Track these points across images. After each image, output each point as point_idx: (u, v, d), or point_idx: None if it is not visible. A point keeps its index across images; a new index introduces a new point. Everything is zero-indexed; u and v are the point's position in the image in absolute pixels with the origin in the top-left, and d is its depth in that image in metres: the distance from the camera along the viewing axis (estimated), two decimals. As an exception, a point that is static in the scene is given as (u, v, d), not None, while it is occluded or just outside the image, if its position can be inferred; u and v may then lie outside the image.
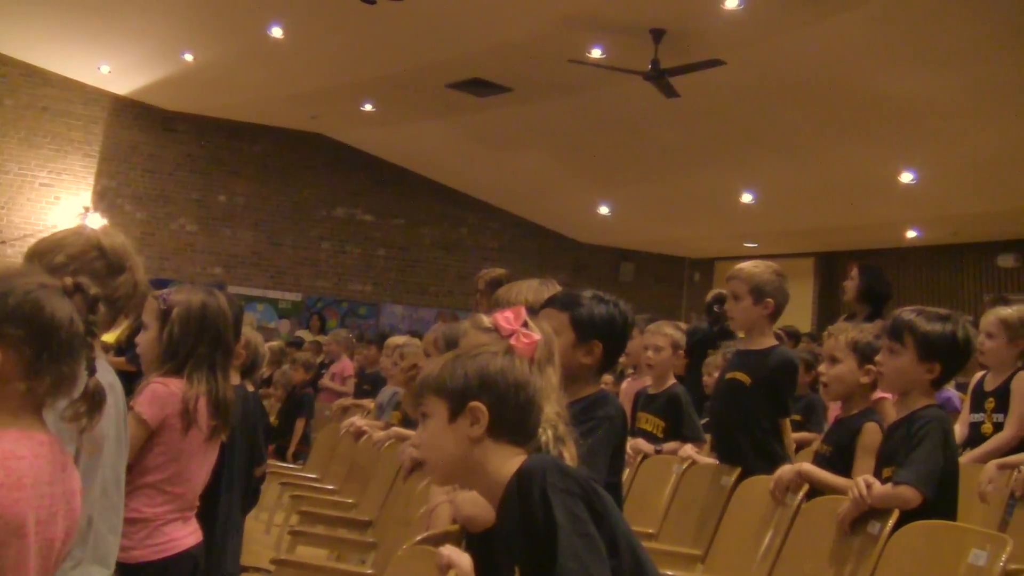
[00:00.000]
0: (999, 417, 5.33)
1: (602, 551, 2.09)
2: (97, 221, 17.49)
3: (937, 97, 11.55)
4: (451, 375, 2.31)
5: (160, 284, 12.48)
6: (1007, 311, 5.47)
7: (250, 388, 5.06)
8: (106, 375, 2.49)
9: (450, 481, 2.57)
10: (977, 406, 5.46)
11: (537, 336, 2.78)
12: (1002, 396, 5.36)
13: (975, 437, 5.35)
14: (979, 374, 5.56)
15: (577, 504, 2.11)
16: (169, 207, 18.92)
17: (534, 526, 2.12)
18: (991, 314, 5.46)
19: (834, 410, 5.20)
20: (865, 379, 4.24)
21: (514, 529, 2.20)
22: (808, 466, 4.27)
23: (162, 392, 3.34)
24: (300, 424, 10.62)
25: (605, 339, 3.28)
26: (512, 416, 2.29)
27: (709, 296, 9.02)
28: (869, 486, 3.62)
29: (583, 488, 2.15)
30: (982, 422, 5.38)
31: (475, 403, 2.27)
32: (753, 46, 11.41)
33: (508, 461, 2.26)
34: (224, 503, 4.17)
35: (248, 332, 5.02)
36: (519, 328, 2.78)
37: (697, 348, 7.48)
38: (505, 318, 2.85)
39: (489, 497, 2.33)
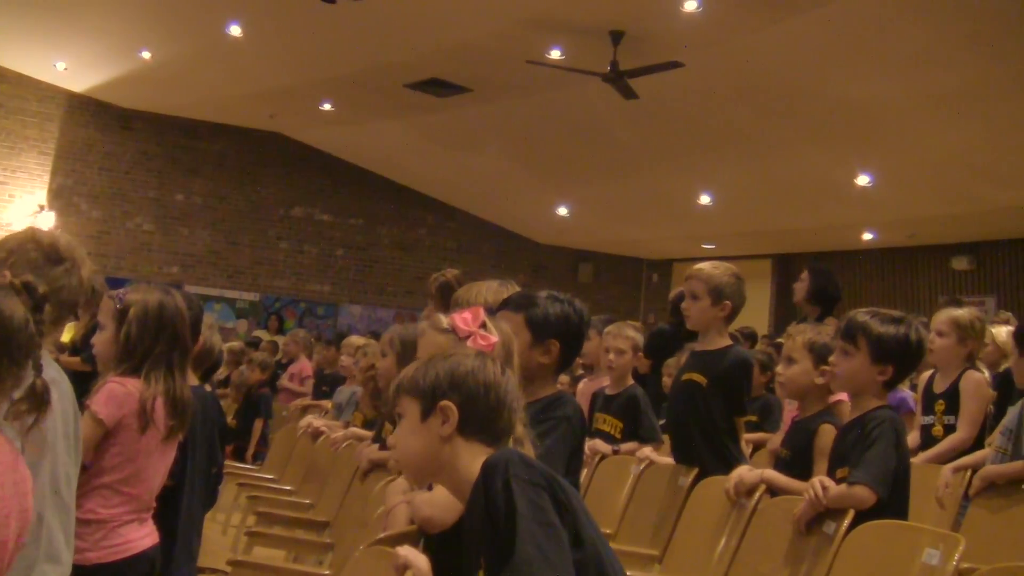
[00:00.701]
0: (950, 419, 5.39)
1: (564, 541, 2.10)
2: (52, 220, 17.35)
3: (893, 101, 11.65)
4: (423, 376, 2.38)
5: (116, 283, 12.42)
6: (959, 311, 5.54)
7: (207, 388, 5.04)
8: (49, 370, 2.47)
9: (422, 479, 2.60)
10: (927, 408, 5.52)
11: (495, 338, 2.79)
12: (951, 398, 5.42)
13: (927, 440, 5.41)
14: (927, 374, 5.61)
15: (540, 494, 2.12)
16: (126, 206, 18.77)
17: (496, 516, 2.13)
18: (943, 313, 5.52)
19: (791, 411, 5.23)
20: (820, 380, 4.28)
21: (479, 522, 2.21)
22: (769, 472, 4.30)
23: (119, 392, 3.32)
24: (258, 425, 10.57)
25: (561, 338, 3.30)
26: (482, 415, 2.35)
27: (673, 294, 9.00)
28: (825, 488, 3.65)
29: (547, 480, 2.16)
30: (932, 425, 5.44)
31: (445, 402, 2.33)
32: (711, 49, 11.46)
33: (477, 459, 2.29)
34: (186, 504, 4.15)
35: (206, 332, 4.99)
36: (477, 330, 2.79)
37: (662, 349, 7.49)
38: (463, 319, 2.85)
39: (459, 495, 2.35)
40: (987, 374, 5.74)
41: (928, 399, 5.56)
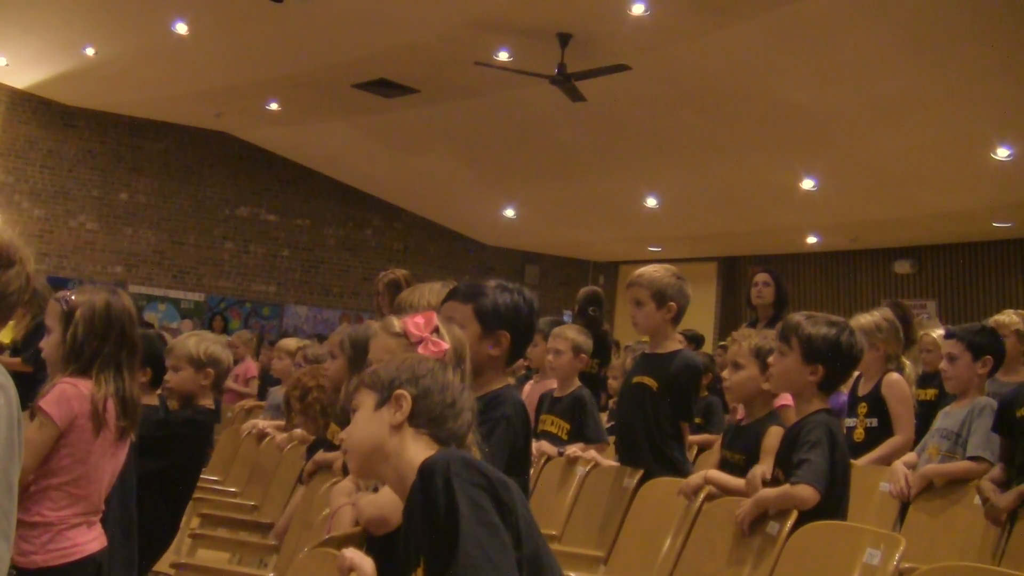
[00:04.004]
0: (872, 422, 5.47)
1: (507, 541, 2.10)
2: (-5, 219, 17.14)
3: (837, 106, 11.77)
4: (384, 369, 2.44)
5: (59, 283, 12.25)
6: (865, 318, 5.61)
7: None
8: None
9: (368, 469, 2.53)
10: (851, 411, 5.59)
11: (446, 345, 2.79)
12: (873, 401, 5.49)
13: (848, 443, 5.47)
14: (853, 377, 5.68)
15: (481, 495, 2.12)
16: (68, 204, 18.55)
17: (436, 516, 2.13)
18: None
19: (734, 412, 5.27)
20: (767, 385, 4.31)
21: (418, 523, 2.21)
22: (713, 472, 4.33)
23: (71, 392, 3.29)
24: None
25: (512, 328, 3.27)
26: (434, 411, 2.39)
27: (581, 295, 8.96)
28: (765, 480, 3.70)
29: (488, 480, 2.16)
30: (854, 427, 5.50)
31: (400, 391, 2.38)
32: (658, 52, 11.52)
33: (422, 454, 2.30)
34: (149, 506, 4.12)
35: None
36: (428, 336, 2.78)
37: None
38: (415, 324, 2.85)
39: (401, 490, 2.35)
40: (911, 374, 5.85)
41: (851, 402, 5.64)
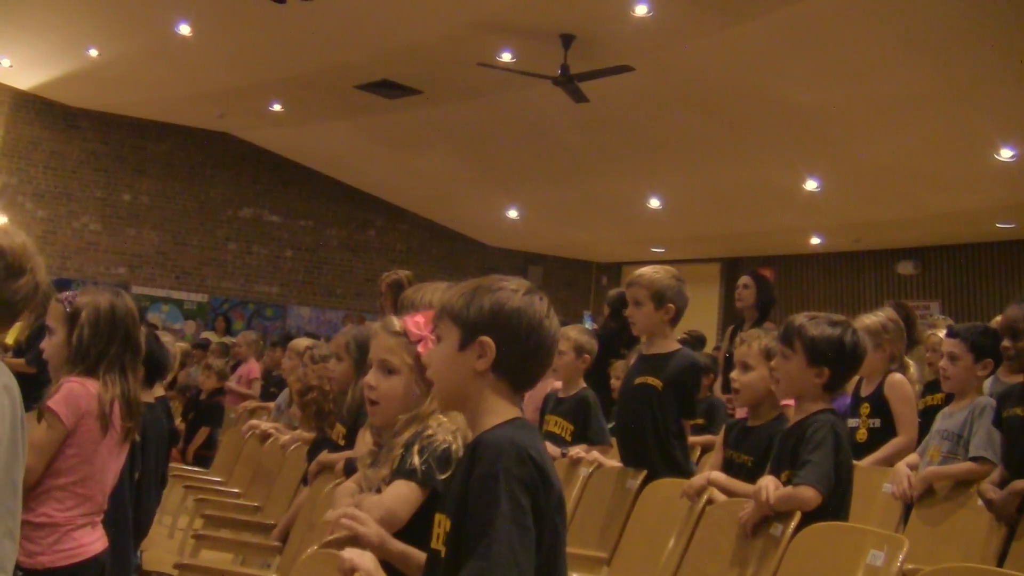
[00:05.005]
0: (874, 422, 5.45)
1: (533, 546, 2.10)
2: (0, 219, 17.14)
3: (840, 107, 11.76)
4: (469, 304, 2.34)
5: (63, 284, 12.27)
6: (869, 319, 5.60)
7: (159, 392, 5.01)
8: (1, 376, 2.45)
9: (450, 405, 2.60)
10: (853, 412, 5.58)
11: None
12: (876, 401, 5.48)
13: (852, 444, 5.46)
14: (855, 379, 5.67)
15: (524, 494, 2.11)
16: (72, 205, 18.57)
17: (474, 498, 2.13)
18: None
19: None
20: (775, 386, 4.29)
21: (458, 486, 2.23)
22: (715, 474, 4.32)
23: (79, 391, 3.30)
24: (204, 431, 10.48)
25: None
26: (517, 359, 2.33)
27: (612, 294, 8.97)
28: (771, 490, 3.68)
29: (534, 481, 2.15)
30: (857, 428, 5.49)
31: (485, 337, 2.30)
32: (661, 53, 11.52)
33: (498, 410, 2.29)
34: (146, 506, 4.14)
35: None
36: (428, 334, 2.78)
37: (602, 350, 7.49)
38: (415, 323, 2.85)
39: (473, 429, 2.34)
40: (914, 375, 5.85)
41: (854, 402, 5.63)
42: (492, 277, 2.40)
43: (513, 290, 2.35)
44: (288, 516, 5.24)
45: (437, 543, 2.26)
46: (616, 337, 8.45)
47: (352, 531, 2.55)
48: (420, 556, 2.47)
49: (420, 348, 2.73)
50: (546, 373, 2.43)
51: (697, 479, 4.30)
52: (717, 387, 7.68)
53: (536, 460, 2.17)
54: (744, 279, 7.89)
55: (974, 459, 4.55)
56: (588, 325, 10.87)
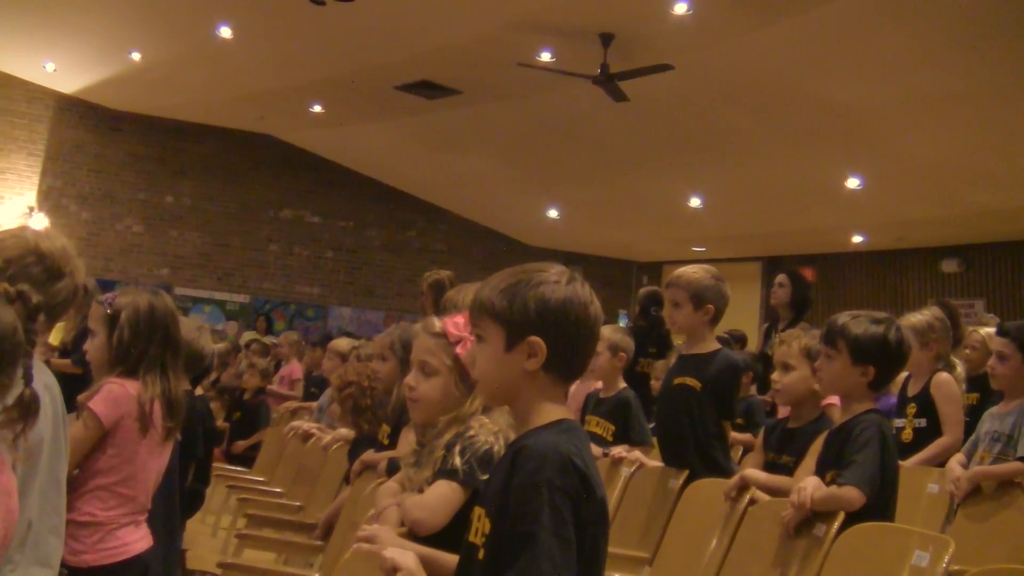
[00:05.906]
0: (920, 422, 5.41)
1: (574, 558, 2.07)
2: (42, 221, 17.28)
3: (882, 104, 11.68)
4: (512, 302, 2.24)
5: (106, 286, 12.39)
6: (915, 318, 5.56)
7: (198, 391, 5.03)
8: (41, 375, 2.47)
9: (498, 404, 2.58)
10: (899, 411, 5.54)
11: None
12: (922, 401, 5.44)
13: (897, 444, 5.42)
14: (902, 378, 5.63)
15: (566, 504, 2.07)
16: (115, 207, 18.74)
17: (513, 507, 2.09)
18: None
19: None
20: (817, 386, 4.26)
21: (497, 485, 2.19)
22: (752, 471, 4.29)
23: (118, 392, 3.32)
24: (262, 433, 10.53)
25: None
26: (567, 353, 2.24)
27: (642, 293, 8.95)
28: (809, 490, 3.66)
29: (576, 491, 2.10)
30: (903, 428, 5.45)
31: (534, 338, 2.21)
32: (701, 51, 11.48)
33: (547, 410, 2.24)
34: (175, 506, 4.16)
35: (194, 335, 4.96)
36: (467, 335, 2.78)
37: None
38: (454, 324, 2.85)
39: (521, 425, 2.29)
40: (961, 374, 5.79)
41: (901, 402, 5.58)
42: (528, 267, 2.29)
43: (555, 281, 2.25)
44: (329, 513, 5.25)
45: (476, 537, 2.22)
46: (645, 335, 8.44)
47: (371, 552, 2.52)
48: (449, 561, 2.45)
49: (459, 349, 2.73)
50: (593, 357, 2.38)
51: (733, 479, 4.28)
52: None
53: (580, 469, 2.12)
54: (780, 277, 7.86)
55: (1022, 459, 4.51)
56: (623, 324, 10.87)
